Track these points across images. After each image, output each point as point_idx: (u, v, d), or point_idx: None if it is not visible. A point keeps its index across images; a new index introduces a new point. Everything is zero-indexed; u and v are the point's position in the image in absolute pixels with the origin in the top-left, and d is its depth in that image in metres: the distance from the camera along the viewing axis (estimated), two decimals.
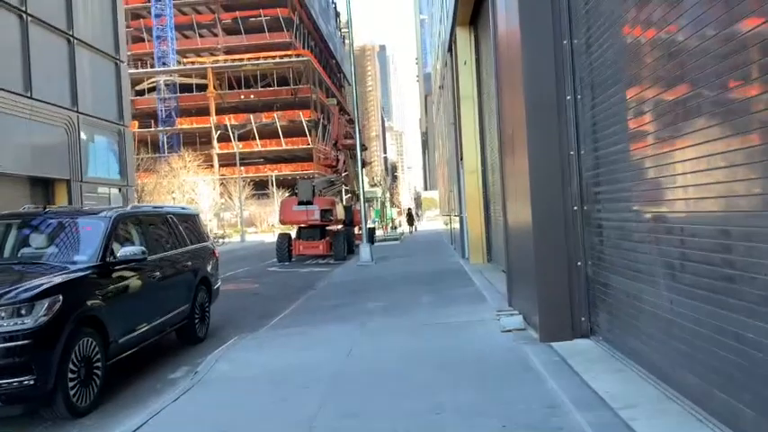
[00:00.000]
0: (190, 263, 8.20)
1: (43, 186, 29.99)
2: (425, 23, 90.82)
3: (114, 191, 39.80)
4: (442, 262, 16.98)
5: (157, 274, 7.11)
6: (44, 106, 24.05)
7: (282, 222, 23.40)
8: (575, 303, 6.27)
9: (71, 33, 26.74)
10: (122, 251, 6.21)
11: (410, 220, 47.48)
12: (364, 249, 18.02)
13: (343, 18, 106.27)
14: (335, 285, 13.68)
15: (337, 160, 28.88)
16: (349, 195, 36.66)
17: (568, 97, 6.33)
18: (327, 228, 23.08)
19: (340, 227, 25.58)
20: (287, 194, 43.97)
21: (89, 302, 5.67)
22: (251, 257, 26.14)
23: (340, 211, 24.36)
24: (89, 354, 5.56)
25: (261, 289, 14.79)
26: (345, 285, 13.40)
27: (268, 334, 8.24)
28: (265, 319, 9.85)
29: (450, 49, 17.47)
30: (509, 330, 6.87)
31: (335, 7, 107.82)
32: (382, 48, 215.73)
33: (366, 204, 37.03)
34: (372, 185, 59.68)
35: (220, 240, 40.48)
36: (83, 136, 35.35)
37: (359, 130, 19.48)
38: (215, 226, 66.96)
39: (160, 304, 7.20)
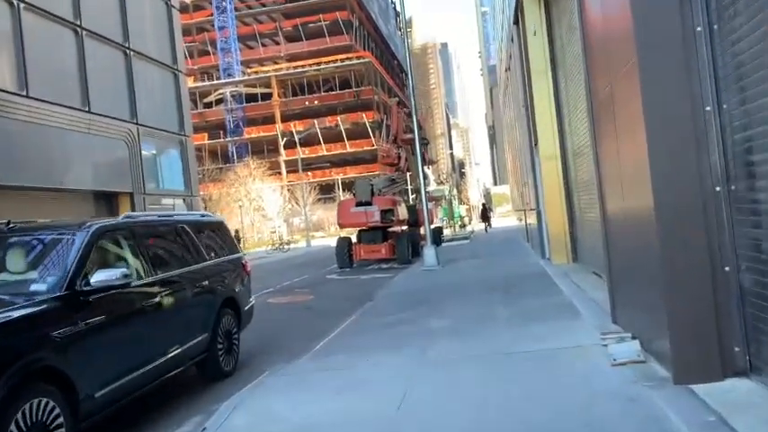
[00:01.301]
0: (208, 282, 6.68)
1: (106, 200, 29.72)
2: (487, 16, 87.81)
3: (179, 201, 39.60)
4: (518, 264, 14.97)
5: (157, 300, 5.60)
6: (103, 120, 23.65)
7: (341, 226, 21.87)
8: (723, 326, 4.31)
9: (127, 45, 26.30)
10: (95, 277, 4.71)
11: (485, 217, 44.52)
12: (429, 252, 16.22)
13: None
14: (396, 296, 11.97)
15: (399, 158, 27.15)
16: (415, 195, 34.91)
17: (699, 28, 4.38)
18: (389, 229, 21.42)
19: (404, 228, 23.89)
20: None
21: (42, 350, 4.19)
22: (313, 264, 24.84)
23: (403, 211, 22.63)
24: (44, 419, 4.07)
25: (314, 302, 13.27)
26: (407, 295, 11.67)
27: (306, 366, 6.61)
28: (310, 341, 8.28)
29: (516, 21, 15.45)
30: (622, 363, 4.95)
31: (395, 7, 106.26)
32: (444, 45, 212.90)
33: (433, 203, 35.19)
34: (439, 183, 57.73)
35: (285, 246, 39.57)
36: (144, 148, 35.21)
37: (416, 120, 17.70)
38: (285, 232, 67.00)
39: (163, 338, 5.69)
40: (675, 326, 4.40)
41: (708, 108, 4.33)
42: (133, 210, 34.63)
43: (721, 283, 4.30)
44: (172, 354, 5.75)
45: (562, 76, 12.90)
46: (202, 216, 7.72)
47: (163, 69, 32.86)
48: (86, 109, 21.88)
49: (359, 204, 20.41)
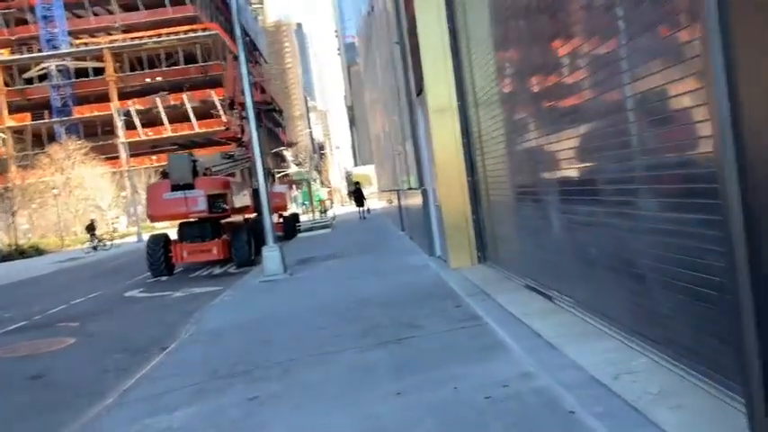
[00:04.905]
0: None
1: None
2: None
3: None
4: (399, 267, 10.33)
5: None
6: None
7: (152, 218, 16.12)
8: None
9: None
10: None
11: (359, 200, 32.19)
12: (270, 255, 11.11)
13: None
14: (202, 346, 6.85)
15: (242, 130, 21.66)
16: (269, 176, 29.47)
17: None
18: (224, 221, 16.00)
19: (249, 217, 18.61)
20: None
21: None
22: (126, 269, 18.84)
23: (243, 197, 17.29)
24: None
25: (64, 355, 7.78)
26: (219, 348, 6.60)
27: None
28: None
29: None
30: None
31: None
32: (299, 26, 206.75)
33: (286, 186, 30.04)
34: (297, 164, 52.49)
35: (107, 243, 32.28)
36: None
37: (248, 69, 12.52)
38: (125, 223, 58.44)
39: None
40: None
41: None
42: None
43: None
44: None
45: None
46: None
47: None
48: None
49: (176, 188, 14.76)
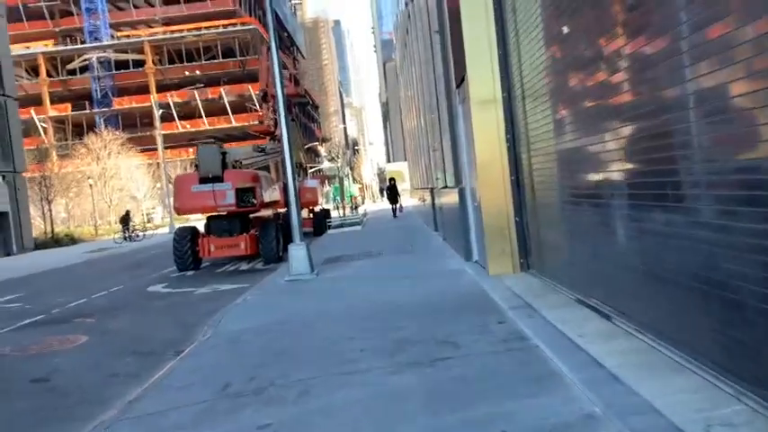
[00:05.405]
0: None
1: None
2: None
3: None
4: (434, 271, 9.62)
5: None
6: None
7: (179, 211, 15.69)
8: None
9: None
10: None
11: (393, 197, 30.52)
12: (296, 254, 10.50)
13: None
14: (217, 354, 6.28)
15: (275, 124, 21.22)
16: (299, 171, 28.97)
17: None
18: (252, 215, 15.51)
19: (280, 211, 18.12)
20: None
21: None
22: (154, 261, 18.56)
23: (272, 192, 16.75)
24: None
25: (75, 355, 7.32)
26: (235, 356, 6.03)
27: None
28: None
29: None
30: None
31: None
32: (336, 23, 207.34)
33: (317, 181, 29.49)
34: (330, 160, 52.08)
35: (140, 234, 32.28)
36: None
37: (279, 59, 11.96)
38: (160, 214, 58.99)
39: None
40: None
41: None
42: None
43: None
44: None
45: None
46: None
47: None
48: None
49: (203, 180, 14.30)
